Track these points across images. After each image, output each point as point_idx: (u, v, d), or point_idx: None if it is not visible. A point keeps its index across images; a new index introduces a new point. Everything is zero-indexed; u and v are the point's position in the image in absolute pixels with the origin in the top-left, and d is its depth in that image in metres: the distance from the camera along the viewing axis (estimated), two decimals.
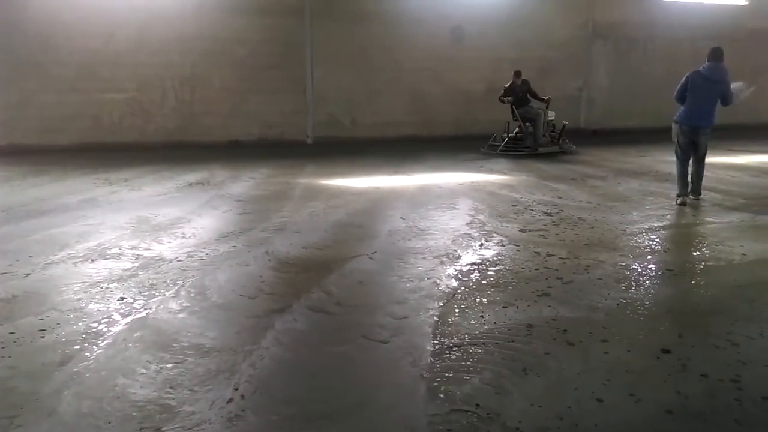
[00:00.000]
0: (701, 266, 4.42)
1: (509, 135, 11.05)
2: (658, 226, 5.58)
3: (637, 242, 5.08)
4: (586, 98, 14.30)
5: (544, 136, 10.97)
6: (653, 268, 4.37)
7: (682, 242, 5.05)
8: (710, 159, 9.94)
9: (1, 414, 2.46)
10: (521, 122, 11.00)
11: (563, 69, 13.84)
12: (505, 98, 10.93)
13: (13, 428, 2.36)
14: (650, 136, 13.16)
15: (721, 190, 7.30)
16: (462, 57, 13.14)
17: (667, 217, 5.96)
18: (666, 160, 9.93)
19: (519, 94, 10.90)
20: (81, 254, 4.69)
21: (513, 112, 10.99)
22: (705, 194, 7.06)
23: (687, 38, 14.42)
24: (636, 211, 6.20)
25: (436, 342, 3.14)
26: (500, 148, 10.95)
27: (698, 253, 4.76)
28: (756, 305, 3.67)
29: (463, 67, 13.14)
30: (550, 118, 11.13)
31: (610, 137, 13.48)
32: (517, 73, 10.92)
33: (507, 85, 10.97)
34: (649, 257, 4.64)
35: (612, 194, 7.14)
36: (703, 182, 6.82)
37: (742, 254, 4.71)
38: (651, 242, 5.07)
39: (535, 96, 10.99)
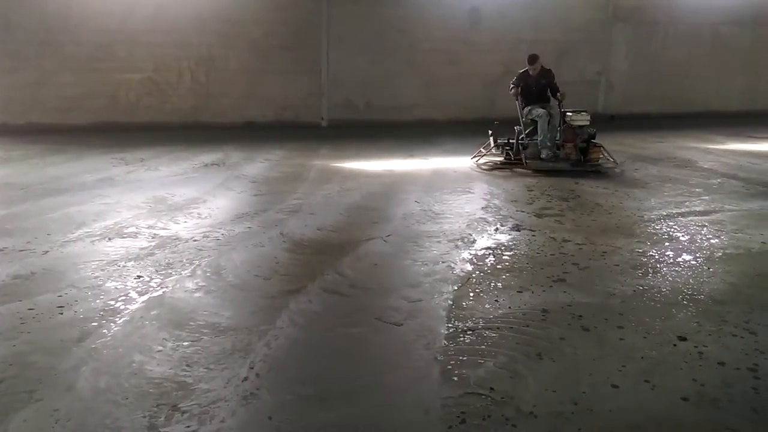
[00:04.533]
0: (720, 254, 4.36)
1: (498, 142, 8.07)
2: (676, 213, 5.51)
3: (654, 229, 5.02)
4: (605, 83, 14.10)
5: (559, 148, 7.70)
6: (671, 255, 4.32)
7: (701, 230, 4.99)
8: (730, 146, 9.84)
9: (20, 388, 2.50)
10: (522, 125, 7.98)
11: (582, 52, 13.63)
12: (511, 90, 8.09)
13: (32, 402, 2.41)
14: (669, 121, 12.99)
15: (742, 177, 7.18)
16: (479, 39, 12.98)
17: (686, 203, 5.88)
18: (685, 147, 9.81)
19: (532, 88, 7.92)
20: (98, 233, 4.73)
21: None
22: (724, 181, 6.96)
23: (708, 23, 14.14)
24: (654, 198, 6.13)
25: (450, 325, 3.14)
26: (473, 157, 8.25)
27: (717, 240, 4.70)
28: None
29: (479, 50, 12.99)
30: (578, 123, 7.65)
31: (629, 122, 13.28)
32: (532, 59, 7.89)
33: (520, 72, 8.10)
34: (667, 244, 4.59)
35: (629, 180, 7.05)
36: (723, 170, 6.70)
37: (762, 242, 4.64)
38: (669, 229, 5.01)
39: (554, 93, 7.97)
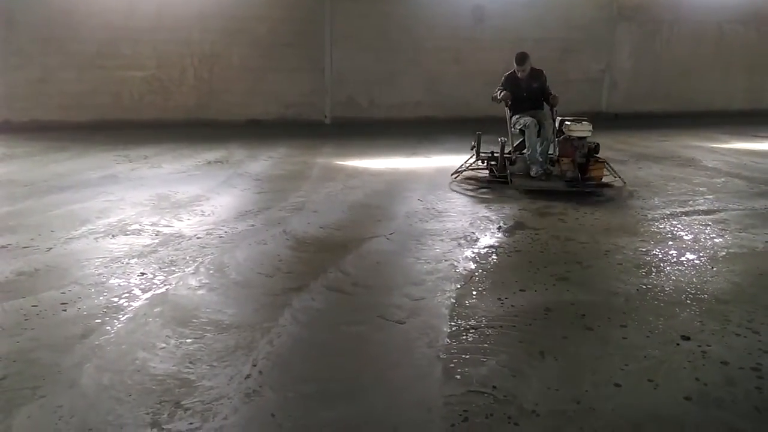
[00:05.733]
0: (723, 253, 4.35)
1: (480, 156, 6.83)
2: (680, 212, 5.50)
3: (658, 228, 5.01)
4: (609, 81, 14.06)
5: (553, 163, 6.54)
6: (674, 254, 4.32)
7: (705, 229, 4.97)
8: (734, 145, 9.81)
9: (24, 384, 2.51)
10: (510, 137, 6.82)
11: (586, 51, 13.60)
12: (498, 95, 6.76)
13: (36, 399, 2.41)
14: (673, 120, 12.96)
15: (746, 176, 7.17)
16: (482, 38, 12.96)
17: (690, 202, 5.87)
18: (688, 145, 9.79)
19: (523, 93, 6.69)
20: (102, 230, 4.74)
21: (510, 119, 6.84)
22: (728, 180, 6.94)
23: (713, 21, 14.10)
24: (657, 197, 6.12)
25: (452, 324, 3.14)
26: (453, 173, 6.98)
27: (721, 239, 4.69)
28: None
29: (483, 48, 12.97)
30: (578, 134, 6.37)
31: (632, 121, 13.26)
32: (521, 58, 6.64)
33: (506, 74, 6.89)
34: (670, 243, 4.58)
35: (632, 179, 7.03)
36: (727, 169, 6.65)
37: (766, 242, 4.63)
38: (672, 228, 5.00)
39: (547, 98, 6.76)
